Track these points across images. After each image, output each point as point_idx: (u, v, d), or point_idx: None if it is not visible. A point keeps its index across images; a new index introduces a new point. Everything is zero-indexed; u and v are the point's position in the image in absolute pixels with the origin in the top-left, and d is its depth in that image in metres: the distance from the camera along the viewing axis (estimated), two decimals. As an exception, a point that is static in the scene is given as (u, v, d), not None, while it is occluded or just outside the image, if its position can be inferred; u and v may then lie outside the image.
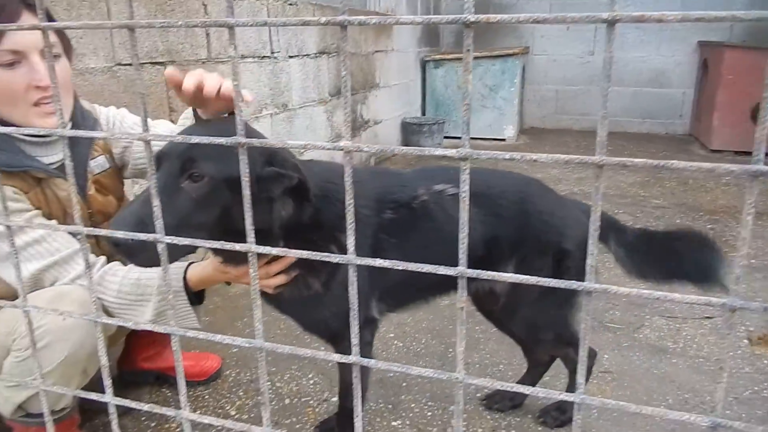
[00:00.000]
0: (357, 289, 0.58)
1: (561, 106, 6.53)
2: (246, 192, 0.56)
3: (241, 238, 0.58)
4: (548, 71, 6.45)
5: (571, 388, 1.68)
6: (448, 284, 1.48)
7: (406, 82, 5.53)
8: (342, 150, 0.53)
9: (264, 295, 1.30)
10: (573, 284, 0.52)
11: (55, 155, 1.36)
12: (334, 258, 0.56)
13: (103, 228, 1.39)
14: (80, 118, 1.39)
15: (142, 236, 0.59)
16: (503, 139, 5.65)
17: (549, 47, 6.38)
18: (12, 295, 1.28)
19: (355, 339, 0.62)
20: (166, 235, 0.59)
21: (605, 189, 4.18)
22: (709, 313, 2.31)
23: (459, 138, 5.22)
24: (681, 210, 3.67)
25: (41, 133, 0.57)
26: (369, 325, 1.40)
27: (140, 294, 1.28)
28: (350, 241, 0.56)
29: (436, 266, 0.54)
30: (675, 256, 1.50)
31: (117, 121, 1.53)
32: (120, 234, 0.62)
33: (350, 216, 0.55)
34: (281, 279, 1.25)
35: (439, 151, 0.55)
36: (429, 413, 1.72)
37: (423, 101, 5.98)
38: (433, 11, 6.20)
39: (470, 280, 1.53)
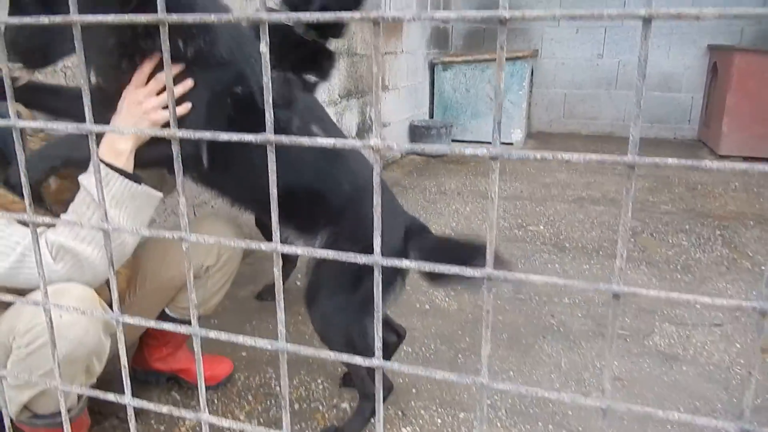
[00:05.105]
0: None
1: (569, 110, 6.52)
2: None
3: None
4: (557, 74, 6.44)
5: (356, 417, 1.61)
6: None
7: (414, 84, 5.54)
8: (372, 148, 0.54)
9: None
10: (600, 287, 0.52)
11: None
12: (361, 259, 0.56)
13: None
14: None
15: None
16: (511, 143, 5.64)
17: (558, 50, 6.37)
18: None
19: (378, 342, 0.62)
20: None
21: (613, 194, 4.16)
22: (718, 321, 2.30)
23: (467, 141, 5.13)
24: (690, 216, 3.65)
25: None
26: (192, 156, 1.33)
27: (87, 203, 1.21)
28: (377, 243, 0.56)
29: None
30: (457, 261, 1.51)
31: None
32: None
33: (377, 220, 0.55)
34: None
35: (470, 150, 0.55)
36: (439, 420, 1.72)
37: (431, 104, 5.98)
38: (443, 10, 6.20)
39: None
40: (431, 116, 5.96)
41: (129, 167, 1.25)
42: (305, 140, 0.58)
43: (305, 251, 0.65)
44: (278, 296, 0.64)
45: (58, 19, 0.60)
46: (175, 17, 0.56)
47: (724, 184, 4.38)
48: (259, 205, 1.59)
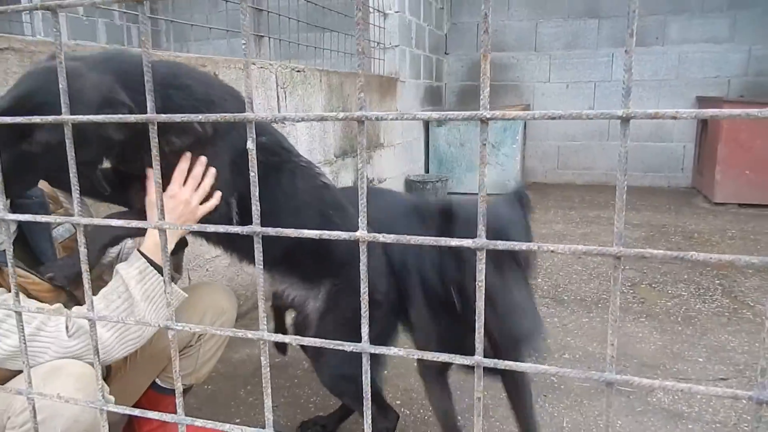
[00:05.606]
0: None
1: (563, 161, 6.62)
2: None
3: None
4: (549, 127, 6.57)
5: None
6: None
7: (410, 140, 5.64)
8: (358, 239, 0.55)
9: None
10: (593, 375, 0.52)
11: None
12: (348, 347, 0.56)
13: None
14: None
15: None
16: (507, 195, 5.70)
17: (549, 104, 6.51)
18: (4, 377, 1.24)
19: (368, 429, 0.62)
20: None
21: (610, 244, 4.16)
22: (723, 375, 2.27)
23: (463, 194, 5.16)
24: (687, 265, 3.64)
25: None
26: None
27: (120, 293, 1.25)
28: (365, 330, 0.57)
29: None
30: None
31: None
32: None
33: (365, 309, 0.56)
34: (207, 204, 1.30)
35: (455, 242, 0.56)
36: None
37: (426, 159, 6.08)
38: (435, 73, 6.38)
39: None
40: (426, 171, 6.03)
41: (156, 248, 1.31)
42: (291, 232, 0.59)
43: (291, 340, 0.66)
44: (265, 383, 0.63)
45: (49, 119, 0.63)
46: (163, 117, 0.59)
47: (720, 233, 4.39)
48: (272, 261, 1.58)
